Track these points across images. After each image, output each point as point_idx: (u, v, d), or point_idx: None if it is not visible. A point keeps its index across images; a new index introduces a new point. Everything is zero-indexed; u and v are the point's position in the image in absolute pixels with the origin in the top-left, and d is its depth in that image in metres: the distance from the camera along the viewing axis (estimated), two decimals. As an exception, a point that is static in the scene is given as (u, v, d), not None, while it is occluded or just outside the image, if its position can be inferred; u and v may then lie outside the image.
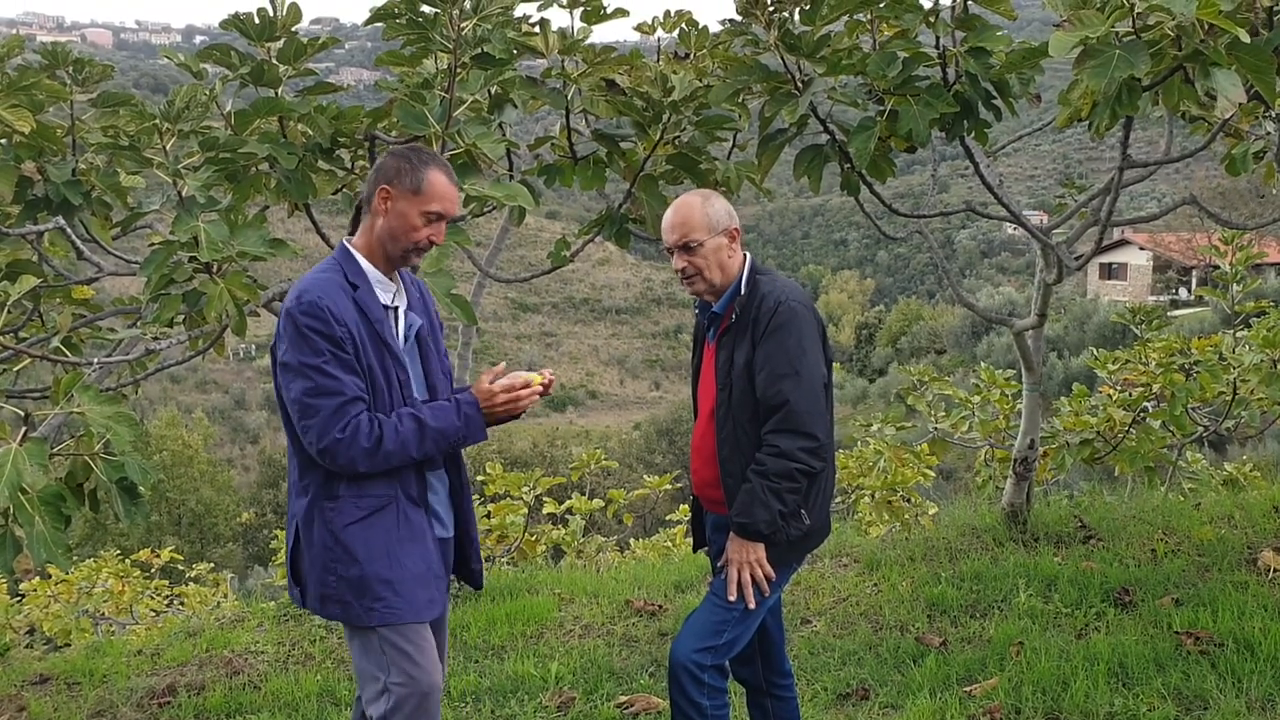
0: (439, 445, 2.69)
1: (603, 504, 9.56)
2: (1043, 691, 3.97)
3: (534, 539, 9.10)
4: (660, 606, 5.40)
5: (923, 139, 3.94)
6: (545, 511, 9.36)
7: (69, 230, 4.53)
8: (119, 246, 4.78)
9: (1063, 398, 8.43)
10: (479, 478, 8.69)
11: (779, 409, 2.78)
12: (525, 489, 9.21)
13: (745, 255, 3.02)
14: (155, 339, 3.99)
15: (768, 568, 2.80)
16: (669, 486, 10.14)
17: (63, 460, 3.75)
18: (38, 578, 10.13)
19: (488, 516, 8.15)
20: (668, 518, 11.21)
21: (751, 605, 2.78)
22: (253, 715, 4.60)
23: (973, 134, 4.23)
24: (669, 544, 11.33)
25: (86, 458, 3.64)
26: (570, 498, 9.49)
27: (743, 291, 2.93)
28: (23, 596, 9.81)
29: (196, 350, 4.15)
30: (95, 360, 3.84)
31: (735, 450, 2.87)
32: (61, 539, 3.47)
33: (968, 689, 4.11)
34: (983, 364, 8.68)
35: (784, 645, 3.14)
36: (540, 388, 2.76)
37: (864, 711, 4.08)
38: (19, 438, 3.40)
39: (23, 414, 3.57)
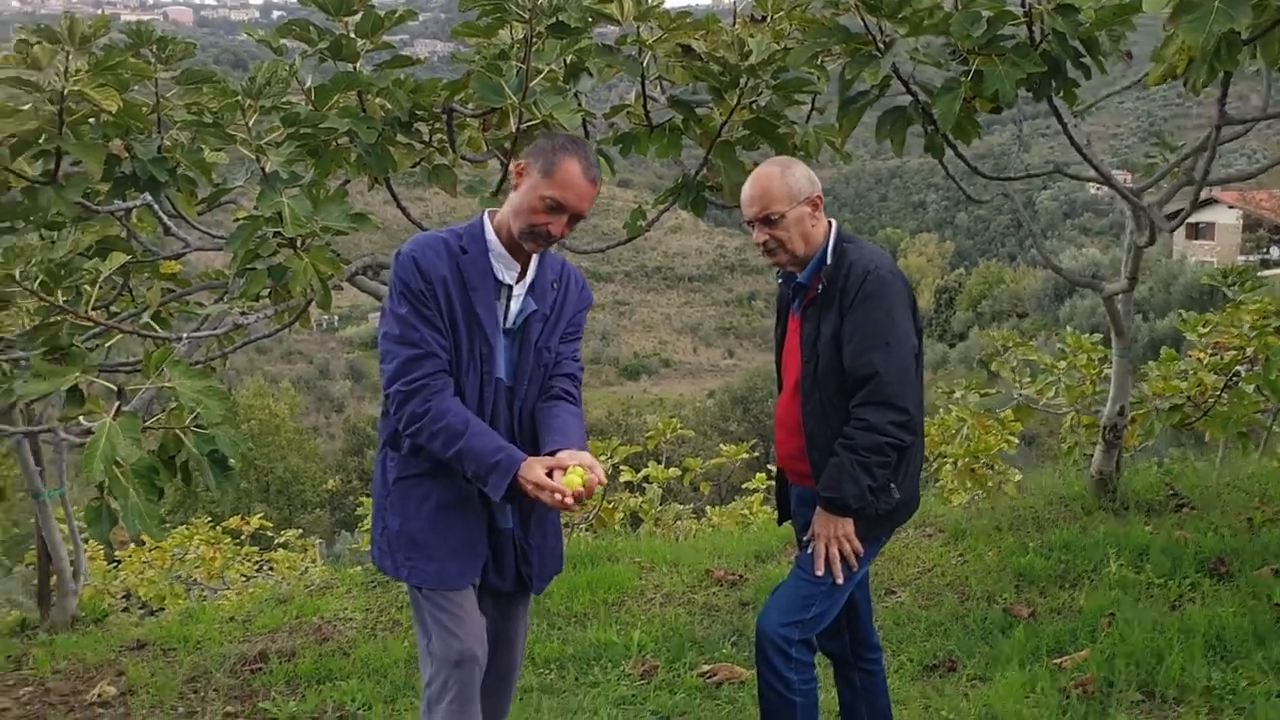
0: (462, 461, 2.59)
1: (679, 472, 9.57)
2: (1136, 664, 3.88)
3: (612, 506, 9.15)
4: (741, 576, 5.39)
5: (1009, 99, 3.83)
6: (622, 480, 9.39)
7: (156, 206, 4.63)
8: (204, 222, 4.87)
9: (1150, 362, 8.21)
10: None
11: (868, 381, 2.72)
12: (603, 458, 9.25)
13: (830, 223, 2.94)
14: (242, 313, 4.05)
15: (856, 542, 2.76)
16: (745, 456, 10.11)
17: (154, 433, 3.82)
18: (133, 545, 10.43)
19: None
20: (744, 485, 11.18)
21: (839, 580, 2.74)
22: (342, 682, 4.68)
23: (1060, 94, 4.10)
24: (746, 511, 11.30)
25: (178, 431, 3.72)
26: (646, 466, 9.51)
27: (829, 261, 2.85)
28: (119, 563, 10.12)
29: (282, 324, 4.22)
30: (184, 335, 3.92)
31: (822, 423, 2.82)
32: (155, 511, 3.54)
33: (1058, 661, 4.03)
34: (1067, 328, 8.48)
35: (871, 618, 3.10)
36: (571, 498, 2.54)
37: (951, 683, 4.02)
38: (112, 412, 3.48)
39: (115, 388, 3.65)
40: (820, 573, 2.72)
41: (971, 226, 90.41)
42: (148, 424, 3.77)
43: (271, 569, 13.02)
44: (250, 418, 38.97)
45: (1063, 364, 7.90)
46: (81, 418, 4.21)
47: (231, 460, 3.75)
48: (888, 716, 3.05)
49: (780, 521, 3.15)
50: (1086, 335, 7.91)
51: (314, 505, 37.36)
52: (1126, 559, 4.89)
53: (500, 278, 2.73)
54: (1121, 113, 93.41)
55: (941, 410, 9.50)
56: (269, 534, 13.45)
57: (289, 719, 4.42)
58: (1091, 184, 5.04)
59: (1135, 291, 5.60)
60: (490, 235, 2.74)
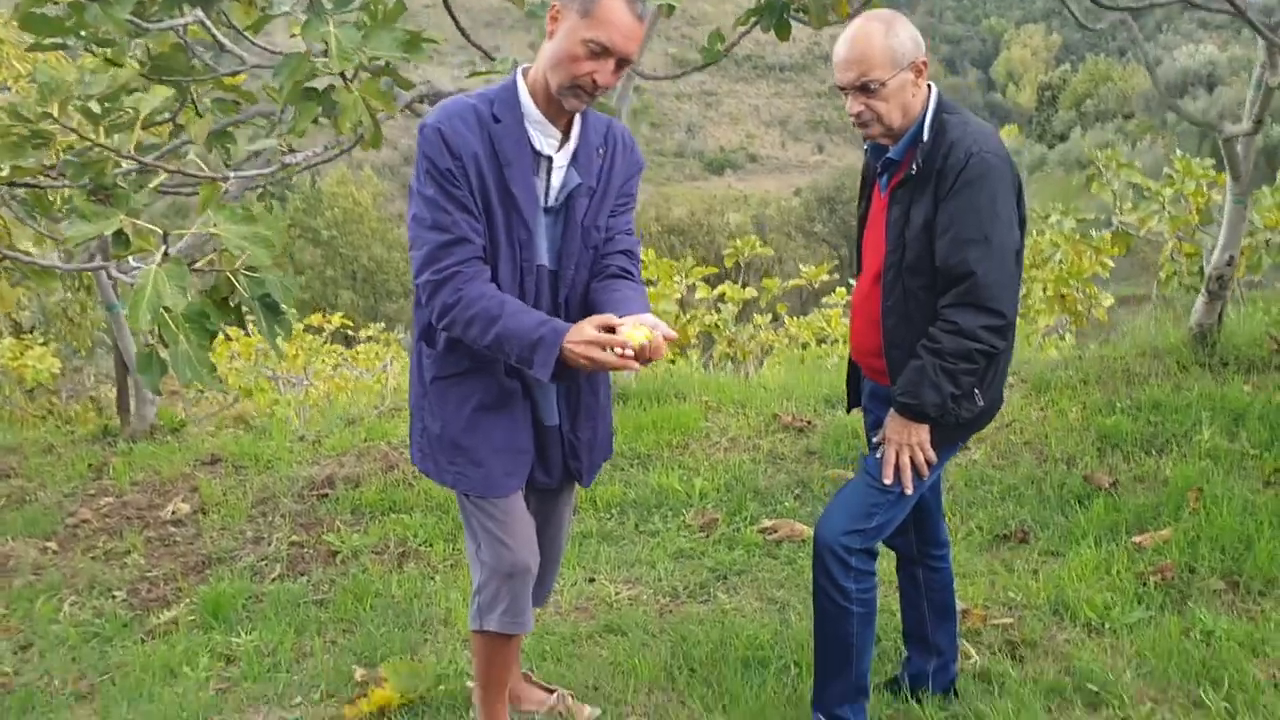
0: (502, 346, 2.32)
1: (755, 294, 9.35)
2: (1222, 550, 3.68)
3: (688, 319, 9.01)
4: (809, 422, 5.23)
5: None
6: (698, 297, 9.22)
7: (208, 22, 4.37)
8: (263, 39, 4.60)
9: (1264, 188, 7.64)
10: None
11: (962, 280, 2.43)
12: (677, 278, 9.06)
13: (930, 89, 2.56)
14: (290, 150, 3.84)
15: (929, 451, 2.53)
16: (826, 277, 9.83)
17: (206, 274, 3.71)
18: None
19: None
20: (824, 301, 10.95)
21: (908, 491, 2.55)
22: (405, 515, 4.71)
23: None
24: (824, 324, 11.12)
25: (228, 274, 3.58)
26: (723, 284, 9.30)
27: (925, 137, 2.49)
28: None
29: (334, 154, 4.01)
30: (231, 174, 3.73)
31: (904, 321, 2.54)
32: (205, 358, 3.45)
33: (1137, 539, 3.84)
34: (1177, 150, 7.91)
35: (941, 515, 2.91)
36: (632, 354, 2.24)
37: (1021, 556, 3.88)
38: (158, 258, 3.35)
39: (161, 233, 3.52)
40: (889, 481, 2.52)
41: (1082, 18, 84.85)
42: (196, 265, 3.65)
43: (355, 361, 13.34)
44: (333, 205, 39.28)
45: (1168, 190, 7.42)
46: (131, 258, 4.11)
47: (284, 305, 3.63)
48: (951, 611, 2.91)
49: (849, 409, 2.93)
50: (1199, 160, 7.38)
51: (398, 295, 37.94)
52: (1221, 424, 4.62)
53: (539, 148, 2.41)
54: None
55: (1035, 233, 9.07)
56: (349, 332, 13.68)
57: (352, 551, 4.46)
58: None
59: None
60: (525, 99, 2.41)
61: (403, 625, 3.73)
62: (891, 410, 2.54)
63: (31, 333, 11.00)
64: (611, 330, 2.26)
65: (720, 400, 5.66)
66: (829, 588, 2.55)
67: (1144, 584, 3.54)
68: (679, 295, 8.81)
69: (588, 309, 2.49)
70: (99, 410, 9.44)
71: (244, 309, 3.87)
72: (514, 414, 2.52)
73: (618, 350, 2.23)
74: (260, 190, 5.28)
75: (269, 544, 4.67)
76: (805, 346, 11.27)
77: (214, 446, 6.11)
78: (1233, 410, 4.70)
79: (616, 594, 3.82)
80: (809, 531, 4.20)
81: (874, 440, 2.64)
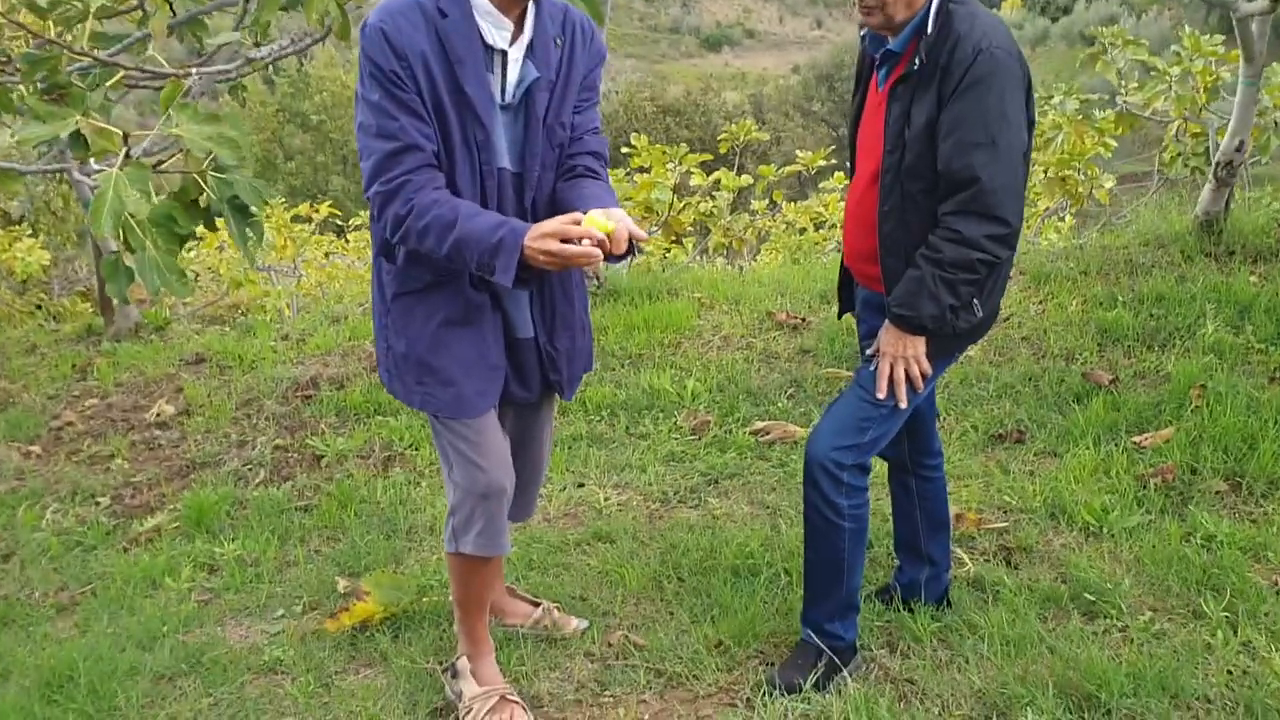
0: (462, 253, 2.15)
1: (750, 181, 9.13)
2: (1224, 450, 3.58)
3: (683, 206, 8.81)
4: (803, 320, 5.11)
5: None
6: (693, 183, 9.01)
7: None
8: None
9: (1275, 64, 7.38)
10: (622, 149, 8.33)
11: (965, 186, 2.26)
12: (670, 166, 8.84)
13: None
14: (256, 44, 3.64)
15: (925, 363, 2.40)
16: (823, 162, 9.61)
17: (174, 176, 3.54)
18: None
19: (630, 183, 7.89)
20: (822, 186, 10.75)
21: (903, 405, 2.43)
22: (390, 418, 4.62)
23: None
24: (821, 209, 10.92)
25: (195, 175, 3.42)
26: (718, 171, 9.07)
27: (929, 29, 2.29)
28: (200, 239, 10.09)
29: (303, 46, 3.80)
30: (194, 71, 3.53)
31: (900, 226, 2.39)
32: (174, 264, 3.31)
33: (1137, 440, 3.76)
34: (1182, 7, 7.62)
35: (935, 424, 2.81)
36: (596, 245, 2.07)
37: (1017, 457, 3.79)
38: (120, 160, 3.19)
39: (121, 134, 3.34)
40: (882, 395, 2.40)
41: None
42: (162, 166, 3.49)
43: (345, 252, 13.16)
44: (321, 89, 38.47)
45: (1176, 69, 7.17)
46: (93, 160, 3.93)
47: (254, 207, 3.47)
48: (945, 521, 2.83)
49: (840, 315, 2.80)
50: (1208, 38, 7.11)
51: (389, 180, 37.36)
52: (1225, 317, 4.49)
53: (490, 42, 2.22)
54: None
55: (1038, 115, 8.80)
56: (338, 222, 13.46)
57: (336, 455, 4.39)
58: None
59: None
60: None
61: (387, 533, 3.67)
62: (886, 322, 2.41)
63: (20, 223, 10.76)
64: (577, 225, 2.12)
65: (713, 297, 5.53)
66: (820, 504, 2.46)
67: (1144, 486, 3.46)
68: (674, 181, 8.61)
69: (555, 211, 2.32)
70: (92, 304, 9.28)
71: (213, 211, 3.71)
72: (483, 328, 2.38)
73: (582, 244, 2.08)
74: (231, 83, 5.05)
75: (253, 448, 4.60)
76: (803, 232, 11.11)
77: (198, 345, 6.00)
78: (1238, 302, 4.57)
79: (605, 499, 3.75)
80: (802, 433, 4.11)
81: (867, 352, 2.52)
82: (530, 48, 2.28)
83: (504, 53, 2.25)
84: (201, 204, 3.68)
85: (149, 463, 4.66)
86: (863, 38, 2.54)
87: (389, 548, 3.54)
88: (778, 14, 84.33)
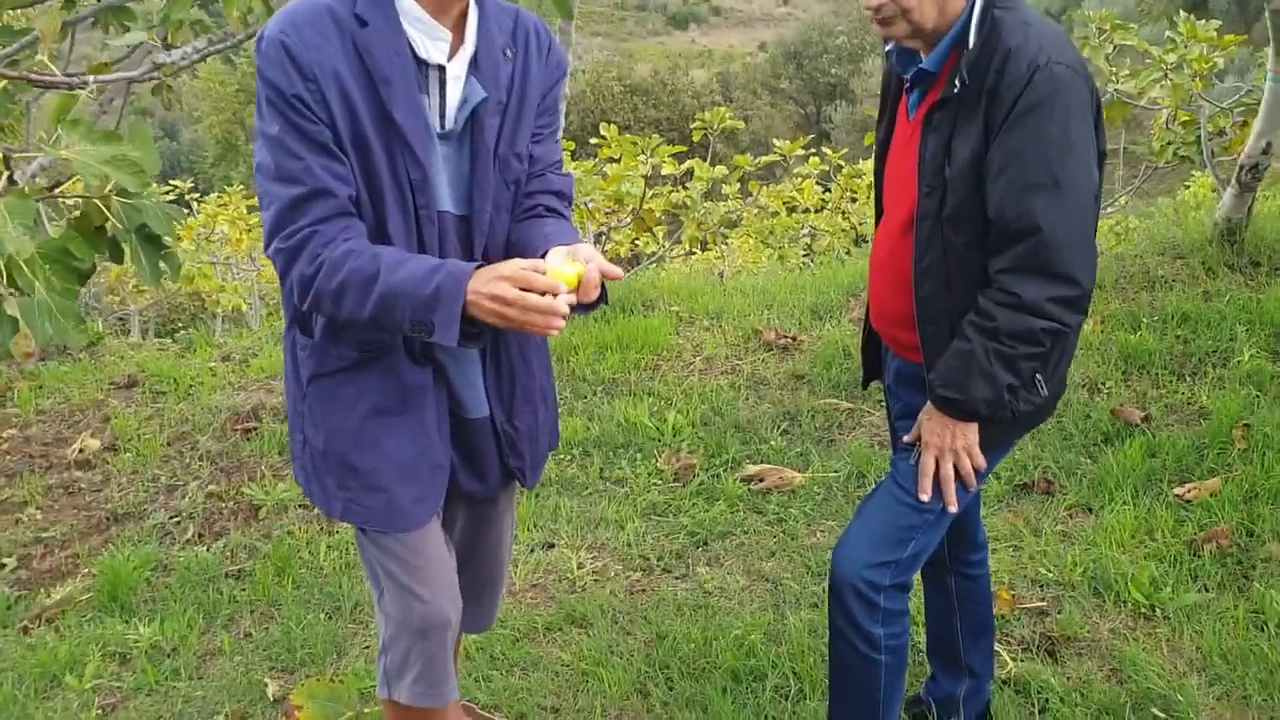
0: (391, 312, 1.67)
1: (726, 171, 8.70)
2: (1284, 507, 3.16)
3: (653, 196, 8.35)
4: (793, 339, 4.64)
5: None
6: (665, 172, 8.55)
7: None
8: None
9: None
10: (591, 140, 7.87)
11: (1023, 237, 1.78)
12: (642, 157, 8.37)
13: None
14: (167, 47, 3.12)
15: (978, 456, 1.94)
16: (802, 152, 9.18)
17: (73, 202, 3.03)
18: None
19: (602, 177, 7.45)
20: (797, 172, 10.33)
21: (953, 509, 1.99)
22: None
23: None
24: (795, 194, 10.56)
25: (97, 200, 2.90)
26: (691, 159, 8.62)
27: (971, 42, 1.83)
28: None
29: (221, 48, 3.29)
30: (89, 78, 3.01)
31: (942, 286, 1.92)
32: (70, 307, 2.79)
33: (1180, 492, 3.32)
34: (1182, 14, 7.22)
35: (979, 511, 2.36)
36: (565, 299, 1.63)
37: (1047, 513, 3.34)
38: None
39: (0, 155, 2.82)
40: (926, 496, 1.95)
41: None
42: (57, 190, 2.98)
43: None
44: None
45: (1171, 56, 6.76)
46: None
47: (167, 239, 2.96)
48: (989, 626, 2.36)
49: (865, 383, 2.33)
50: (1204, 24, 6.71)
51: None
52: (1260, 341, 4.06)
53: (423, 55, 1.75)
54: None
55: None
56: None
57: (276, 505, 3.90)
58: None
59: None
60: None
61: (329, 611, 3.18)
62: (929, 406, 1.94)
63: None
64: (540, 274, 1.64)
65: (693, 311, 5.05)
66: (851, 634, 1.98)
67: (1195, 554, 3.03)
68: (644, 173, 8.16)
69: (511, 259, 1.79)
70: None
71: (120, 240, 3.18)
72: (423, 414, 1.88)
73: (546, 297, 1.61)
74: (155, 85, 4.50)
75: (183, 495, 4.09)
76: (775, 215, 10.70)
77: (132, 366, 5.48)
78: (1272, 324, 4.14)
79: (579, 566, 3.28)
80: (800, 479, 3.66)
81: (904, 438, 2.04)
82: (474, 62, 1.79)
83: (441, 69, 1.76)
84: (108, 232, 3.16)
85: (65, 512, 4.14)
86: (888, 53, 2.06)
87: (329, 632, 3.05)
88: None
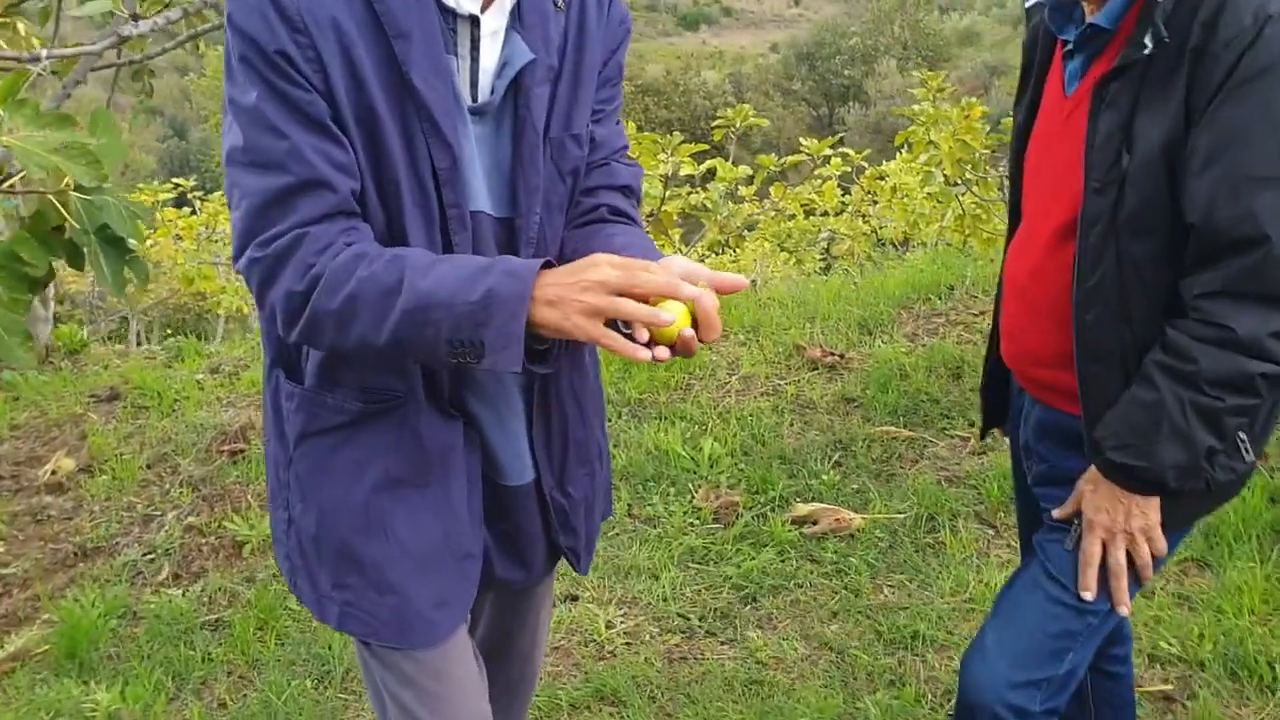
0: (420, 334, 1.19)
1: (750, 171, 8.30)
2: None
3: (669, 197, 7.95)
4: (841, 356, 4.18)
5: None
6: (684, 173, 8.14)
7: None
8: None
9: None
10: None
11: (1244, 250, 1.33)
12: (662, 156, 7.94)
13: None
14: (133, 18, 2.67)
15: (1160, 540, 1.49)
16: (829, 152, 8.78)
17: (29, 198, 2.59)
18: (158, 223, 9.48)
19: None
20: (816, 173, 9.92)
21: (1125, 610, 1.53)
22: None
23: None
24: (814, 196, 10.20)
25: (51, 197, 2.46)
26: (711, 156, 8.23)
27: None
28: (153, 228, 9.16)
29: (196, 32, 2.85)
30: (42, 52, 2.57)
31: (1116, 314, 1.46)
32: (18, 322, 2.37)
33: (1307, 544, 2.85)
34: None
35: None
36: (668, 343, 1.17)
37: (1160, 571, 2.88)
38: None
39: (-71, 143, 2.38)
40: (1091, 595, 1.49)
41: None
42: (7, 185, 2.54)
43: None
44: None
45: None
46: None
47: (131, 241, 2.52)
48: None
49: (984, 432, 1.86)
50: None
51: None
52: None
53: (451, 4, 1.26)
54: None
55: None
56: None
57: (261, 543, 3.46)
58: None
59: None
60: None
61: (316, 676, 2.73)
62: (1091, 472, 1.48)
63: None
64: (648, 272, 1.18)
65: (726, 322, 4.59)
66: (989, 772, 1.52)
67: (1342, 628, 2.57)
68: (664, 173, 7.77)
69: None
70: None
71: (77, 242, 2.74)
72: (448, 485, 1.38)
73: (650, 320, 1.15)
74: (135, 71, 4.05)
75: (159, 527, 3.65)
76: (792, 219, 10.33)
77: (115, 376, 5.05)
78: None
79: (608, 625, 2.82)
80: (859, 521, 3.20)
81: (1053, 513, 1.57)
82: (517, 13, 1.30)
83: (474, 20, 1.28)
84: (66, 233, 2.72)
85: (31, 544, 3.71)
86: (1031, 8, 1.60)
87: (317, 704, 2.60)
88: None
